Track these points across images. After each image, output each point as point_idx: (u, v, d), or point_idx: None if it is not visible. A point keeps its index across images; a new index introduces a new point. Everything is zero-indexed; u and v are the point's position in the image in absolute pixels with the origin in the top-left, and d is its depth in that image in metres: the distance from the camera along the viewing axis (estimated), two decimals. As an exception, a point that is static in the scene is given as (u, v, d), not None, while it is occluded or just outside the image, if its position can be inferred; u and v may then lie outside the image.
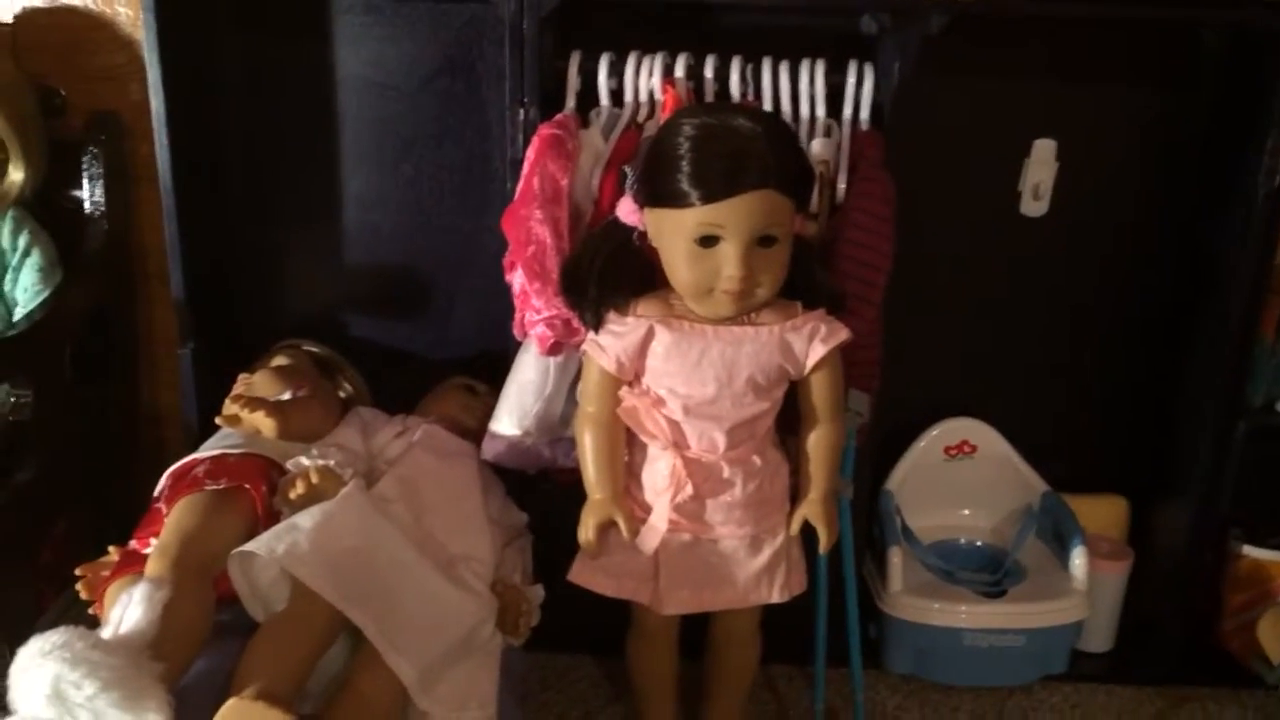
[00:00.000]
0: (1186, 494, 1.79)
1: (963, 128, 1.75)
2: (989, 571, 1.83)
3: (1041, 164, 1.78)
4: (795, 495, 1.47)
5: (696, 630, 1.57)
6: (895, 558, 1.76)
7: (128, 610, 1.22)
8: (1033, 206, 1.81)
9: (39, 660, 1.10)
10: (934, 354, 1.86)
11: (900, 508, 1.85)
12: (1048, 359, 1.91)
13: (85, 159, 1.76)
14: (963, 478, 1.90)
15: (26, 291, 1.67)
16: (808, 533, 1.47)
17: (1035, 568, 1.82)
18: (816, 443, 1.44)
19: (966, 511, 1.93)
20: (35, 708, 1.10)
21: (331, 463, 1.45)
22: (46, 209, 1.73)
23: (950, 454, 1.90)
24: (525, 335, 1.55)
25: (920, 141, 1.62)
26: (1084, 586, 1.76)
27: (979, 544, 1.90)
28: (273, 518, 1.40)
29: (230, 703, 1.15)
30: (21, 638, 1.15)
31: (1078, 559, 1.76)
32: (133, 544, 1.43)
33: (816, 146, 1.55)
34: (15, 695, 1.12)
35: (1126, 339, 1.89)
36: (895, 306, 1.59)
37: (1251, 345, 1.68)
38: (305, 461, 1.45)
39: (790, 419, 1.47)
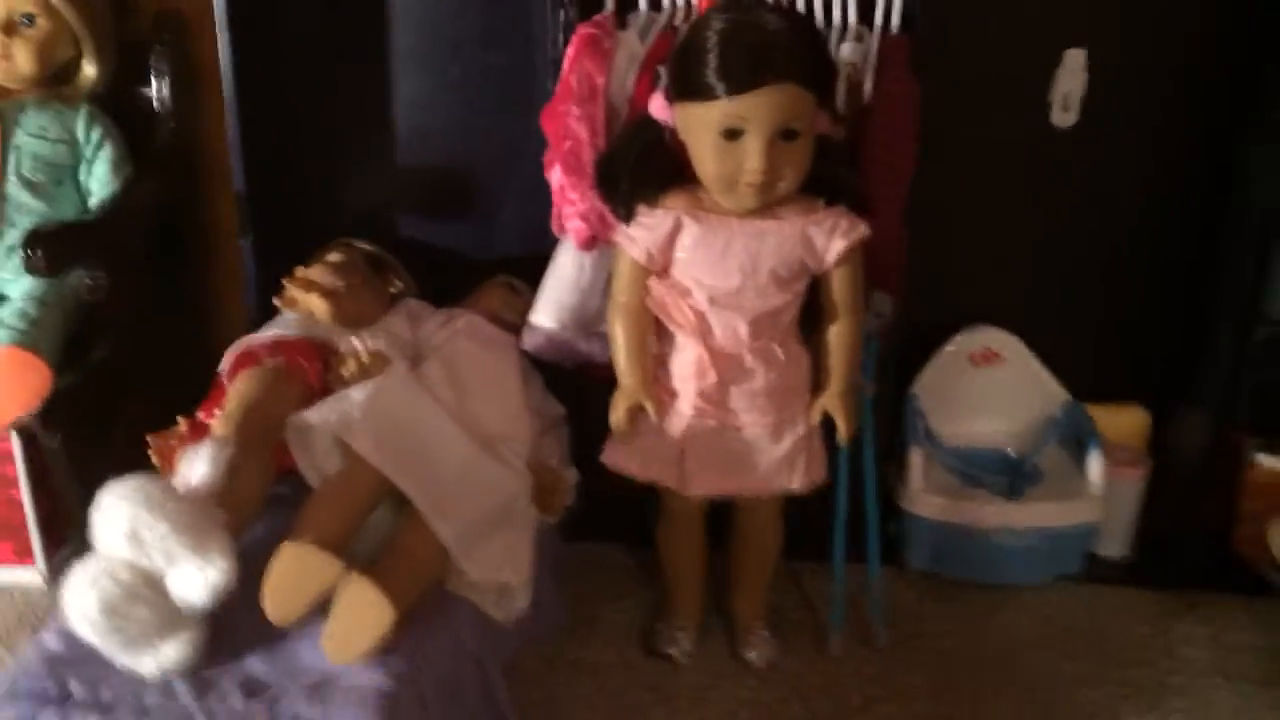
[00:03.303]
0: (1205, 403, 1.84)
1: (994, 36, 1.78)
2: (1009, 475, 1.88)
3: (1071, 74, 1.81)
4: (817, 390, 1.54)
5: (722, 523, 1.66)
6: (916, 457, 1.83)
7: (195, 465, 1.33)
8: (1062, 117, 1.84)
9: (117, 502, 1.22)
10: (961, 262, 1.90)
11: (924, 412, 1.92)
12: (1074, 270, 1.94)
13: (152, 58, 1.85)
14: (987, 385, 1.95)
15: (99, 182, 1.78)
16: (829, 427, 1.54)
17: (1054, 472, 1.88)
18: (836, 337, 1.51)
19: (989, 418, 1.97)
20: (114, 545, 1.22)
21: (380, 345, 1.55)
22: (117, 105, 1.82)
23: (975, 362, 1.96)
24: (563, 231, 1.63)
25: (950, 49, 1.65)
26: (1099, 490, 1.82)
27: (1000, 449, 1.96)
28: (326, 393, 1.50)
29: (287, 546, 1.26)
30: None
31: (1094, 463, 1.82)
32: (199, 415, 1.54)
33: (845, 50, 1.59)
34: (96, 534, 1.24)
35: (1152, 250, 1.92)
36: (923, 213, 1.64)
37: (1271, 254, 1.71)
38: (356, 344, 1.55)
39: (814, 316, 1.54)
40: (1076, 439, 1.89)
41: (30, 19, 1.69)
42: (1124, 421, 1.95)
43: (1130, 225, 1.91)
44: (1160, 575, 1.88)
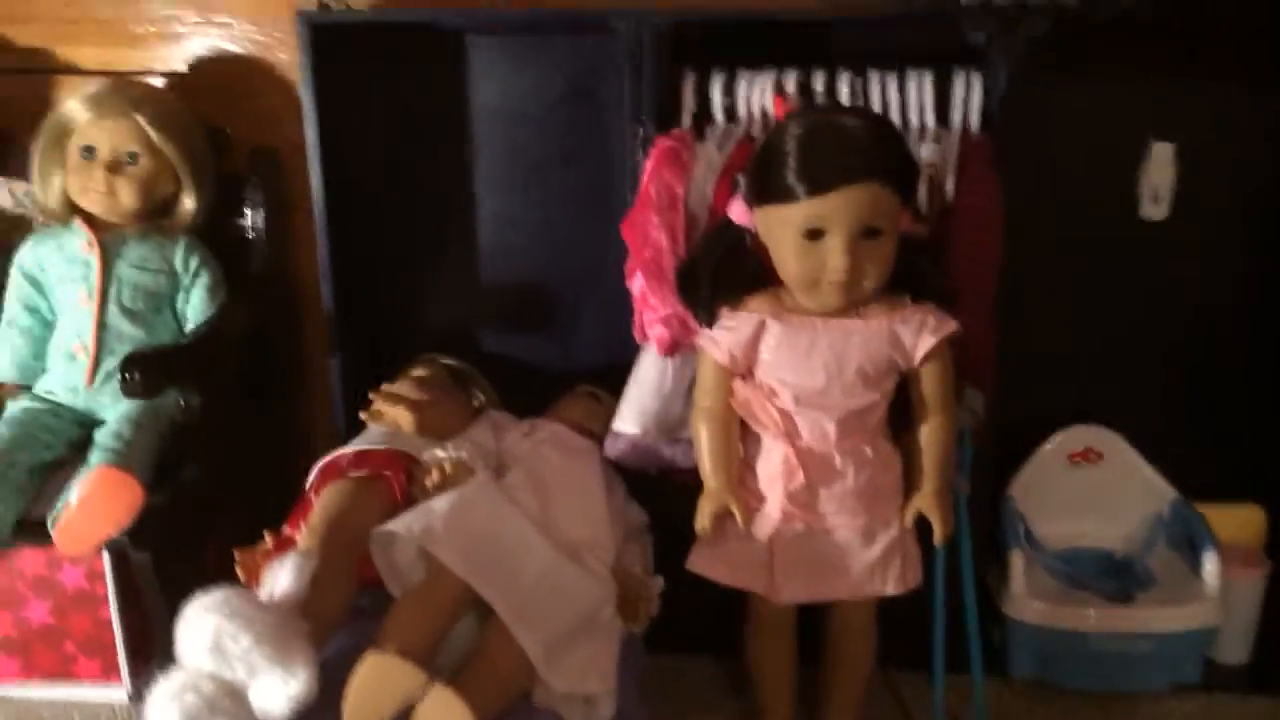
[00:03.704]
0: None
1: (1077, 131, 1.78)
2: (1117, 578, 1.80)
3: (1160, 166, 1.79)
4: (910, 490, 1.50)
5: (814, 632, 1.60)
6: (1017, 559, 1.76)
7: (280, 577, 1.33)
8: (1152, 210, 1.81)
9: (202, 614, 1.22)
10: (1056, 359, 1.87)
11: (1024, 514, 1.85)
12: (1175, 364, 1.89)
13: (248, 190, 1.93)
14: (1088, 485, 1.89)
15: (196, 309, 1.84)
16: (923, 528, 1.49)
17: (1166, 575, 1.79)
18: (928, 435, 1.47)
19: (1093, 519, 1.90)
20: (198, 658, 1.22)
21: (464, 455, 1.55)
22: (215, 236, 1.90)
23: (1075, 461, 1.89)
24: (644, 337, 1.63)
25: (1033, 146, 1.65)
26: (1216, 592, 1.73)
27: (1106, 550, 1.88)
28: (410, 504, 1.50)
29: (371, 655, 1.25)
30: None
31: (1209, 564, 1.73)
32: (285, 530, 1.55)
33: (925, 151, 1.60)
34: (181, 646, 1.24)
35: (1255, 342, 1.86)
36: (1014, 309, 1.62)
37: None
38: (440, 454, 1.55)
39: (905, 417, 1.50)
40: (1188, 539, 1.80)
41: (134, 157, 1.78)
42: (1238, 520, 1.86)
43: (1230, 318, 1.86)
44: (1286, 682, 1.78)
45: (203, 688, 1.20)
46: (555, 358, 2.00)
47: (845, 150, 1.32)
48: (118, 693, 1.78)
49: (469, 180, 1.95)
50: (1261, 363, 1.87)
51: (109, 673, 1.77)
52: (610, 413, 1.72)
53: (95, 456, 1.64)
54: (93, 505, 1.57)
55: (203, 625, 1.22)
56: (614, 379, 1.76)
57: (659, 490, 1.74)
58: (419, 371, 1.86)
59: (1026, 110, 1.62)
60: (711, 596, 1.51)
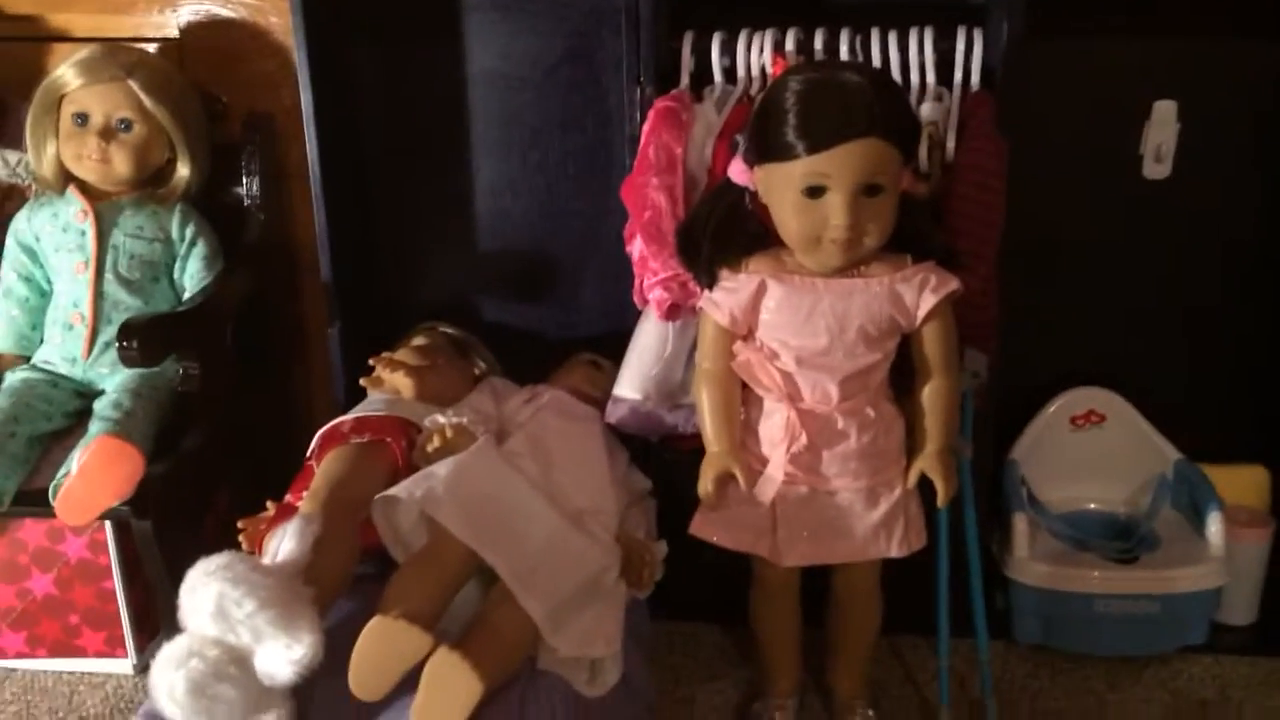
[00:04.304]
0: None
1: (1080, 90, 1.76)
2: (1121, 540, 1.80)
3: (1162, 125, 1.77)
4: (913, 452, 1.49)
5: (819, 596, 1.60)
6: (1020, 523, 1.75)
7: (283, 543, 1.33)
8: (1155, 169, 1.80)
9: (205, 579, 1.22)
10: (1058, 321, 1.86)
11: (1027, 478, 1.85)
12: (1176, 325, 1.88)
13: (244, 158, 1.91)
14: (1091, 447, 1.88)
15: (193, 277, 1.82)
16: (926, 491, 1.49)
17: (1170, 536, 1.79)
18: (931, 396, 1.46)
19: (1096, 482, 1.90)
20: (202, 623, 1.22)
21: (465, 420, 1.54)
22: (210, 204, 1.88)
23: (1078, 424, 1.89)
24: (645, 301, 1.62)
25: (1036, 104, 1.64)
26: (1221, 553, 1.72)
27: (1110, 513, 1.88)
28: (411, 470, 1.50)
29: (375, 620, 1.24)
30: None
31: (1213, 525, 1.73)
32: (287, 498, 1.54)
33: (926, 109, 1.58)
34: (184, 612, 1.23)
35: (1259, 302, 1.85)
36: (1016, 271, 1.61)
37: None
38: (441, 419, 1.55)
39: (907, 378, 1.49)
40: (1192, 501, 1.80)
41: (128, 124, 1.76)
42: (1243, 481, 1.86)
43: (1233, 278, 1.85)
44: (1293, 643, 1.78)
45: (207, 653, 1.20)
46: (555, 324, 1.99)
47: (845, 106, 1.30)
48: (123, 664, 1.78)
49: (467, 146, 1.93)
50: (1264, 323, 1.86)
51: (114, 645, 1.77)
52: (611, 379, 1.72)
53: (95, 426, 1.63)
54: (93, 475, 1.56)
55: (206, 591, 1.21)
56: (614, 345, 1.75)
57: (661, 456, 1.73)
58: (419, 339, 1.85)
59: (1028, 68, 1.60)
60: (716, 562, 1.51)
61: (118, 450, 1.58)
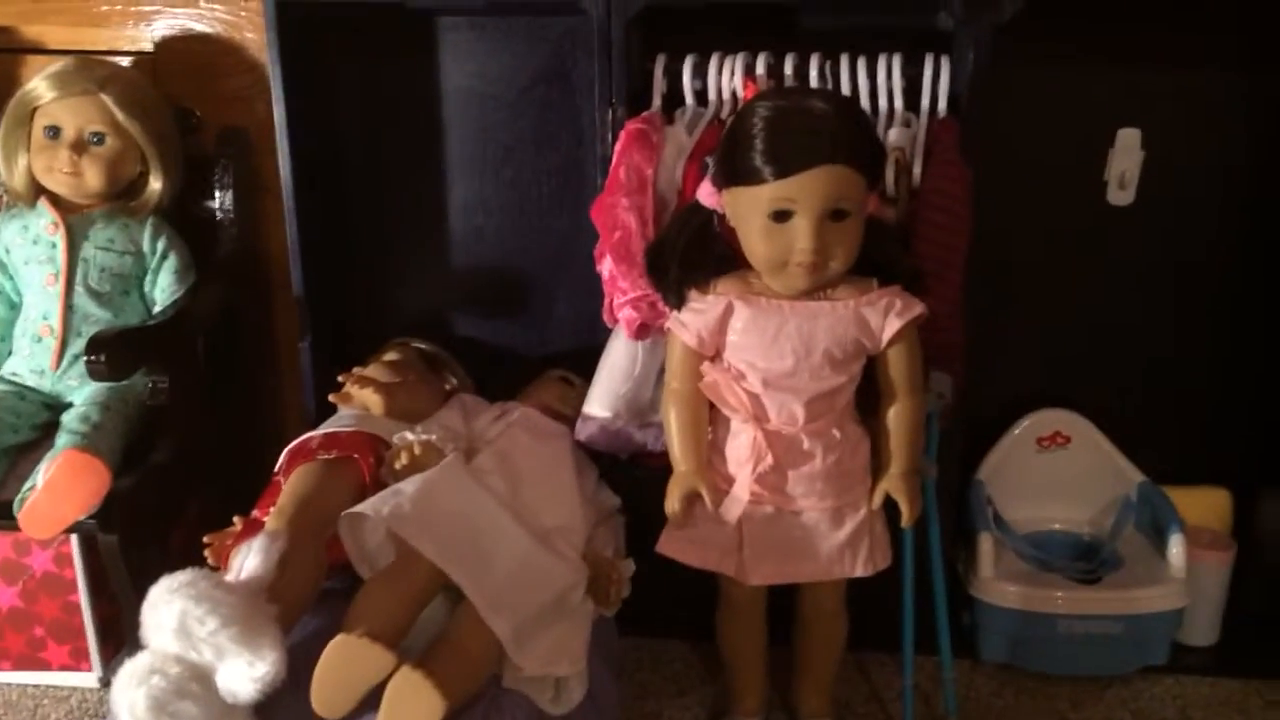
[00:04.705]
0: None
1: (1045, 117, 1.78)
2: (1085, 560, 1.81)
3: (1126, 152, 1.79)
4: (878, 472, 1.50)
5: (785, 614, 1.61)
6: (986, 543, 1.77)
7: (247, 559, 1.33)
8: (1119, 195, 1.82)
9: (167, 596, 1.22)
10: (1024, 343, 1.88)
11: (992, 498, 1.86)
12: (1141, 350, 1.90)
13: (217, 171, 1.91)
14: (1056, 469, 1.90)
15: (164, 291, 1.82)
16: (891, 510, 1.50)
17: (1133, 557, 1.81)
18: (896, 418, 1.48)
19: (1061, 503, 1.91)
20: (164, 641, 1.22)
21: (433, 437, 1.55)
22: (183, 217, 1.88)
23: (1043, 445, 1.90)
24: (614, 320, 1.63)
25: (1002, 131, 1.66)
26: (1182, 574, 1.74)
27: (1074, 533, 1.89)
28: (379, 486, 1.49)
29: (339, 638, 1.24)
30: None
31: (1175, 546, 1.74)
32: (255, 513, 1.54)
33: (893, 135, 1.60)
34: (146, 629, 1.23)
35: (1220, 327, 1.87)
36: (982, 295, 1.63)
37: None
38: (409, 436, 1.55)
39: (873, 400, 1.51)
40: (1154, 523, 1.82)
41: (100, 137, 1.76)
42: (1205, 503, 1.88)
43: (1198, 303, 1.87)
44: (1251, 663, 1.80)
45: (169, 670, 1.20)
46: (527, 341, 2.00)
47: (811, 133, 1.32)
48: (88, 678, 1.77)
49: (440, 163, 1.93)
50: (1226, 347, 1.88)
51: (79, 659, 1.76)
52: (581, 396, 1.72)
53: (62, 439, 1.63)
54: (59, 488, 1.55)
55: (169, 608, 1.21)
56: (586, 362, 1.75)
57: (630, 474, 1.74)
58: (391, 355, 1.85)
59: (994, 95, 1.62)
60: (684, 580, 1.52)
61: (84, 464, 1.58)
